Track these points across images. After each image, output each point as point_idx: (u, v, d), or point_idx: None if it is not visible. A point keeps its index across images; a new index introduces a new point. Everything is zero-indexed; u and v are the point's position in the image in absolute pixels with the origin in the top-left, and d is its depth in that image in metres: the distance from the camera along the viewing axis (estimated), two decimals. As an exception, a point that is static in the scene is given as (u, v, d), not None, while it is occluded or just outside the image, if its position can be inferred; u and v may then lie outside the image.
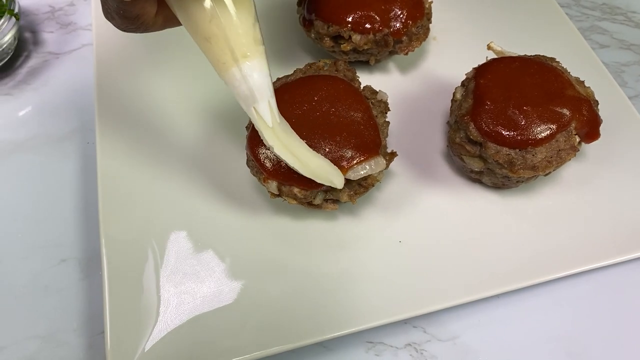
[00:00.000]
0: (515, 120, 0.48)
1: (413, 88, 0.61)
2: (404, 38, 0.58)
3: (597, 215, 0.52)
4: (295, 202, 0.49)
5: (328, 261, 0.50)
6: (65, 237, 0.55)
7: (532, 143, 0.47)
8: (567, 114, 0.48)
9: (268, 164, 0.48)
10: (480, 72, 0.51)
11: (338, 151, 0.48)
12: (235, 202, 0.53)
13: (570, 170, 0.55)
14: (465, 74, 0.53)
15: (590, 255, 0.50)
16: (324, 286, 0.49)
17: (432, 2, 0.61)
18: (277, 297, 0.48)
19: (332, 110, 0.49)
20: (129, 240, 0.50)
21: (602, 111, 0.52)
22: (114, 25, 0.42)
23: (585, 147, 0.55)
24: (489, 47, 0.54)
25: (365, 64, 0.62)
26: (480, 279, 0.49)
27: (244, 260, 0.50)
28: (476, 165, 0.50)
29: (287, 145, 0.45)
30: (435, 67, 0.63)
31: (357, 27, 0.56)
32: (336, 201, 0.50)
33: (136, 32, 0.43)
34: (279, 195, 0.49)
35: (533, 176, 0.50)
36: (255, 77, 0.42)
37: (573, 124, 0.48)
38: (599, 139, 0.50)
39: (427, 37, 0.59)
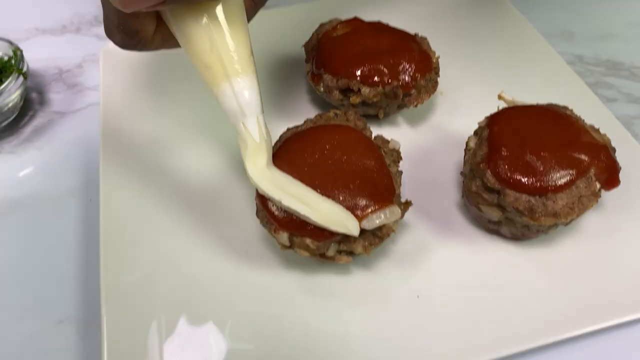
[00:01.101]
0: (534, 166, 0.47)
1: (423, 141, 0.60)
2: (413, 91, 0.58)
3: (622, 268, 0.50)
4: (307, 254, 0.47)
5: (342, 319, 0.47)
6: (63, 297, 0.52)
7: (552, 189, 0.46)
8: (586, 159, 0.47)
9: (278, 214, 0.46)
10: (493, 120, 0.51)
11: (352, 200, 0.46)
12: (243, 257, 0.51)
13: (591, 220, 0.53)
14: (478, 123, 0.53)
15: (619, 308, 0.47)
16: (337, 346, 0.46)
17: (439, 57, 0.61)
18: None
19: (344, 158, 0.48)
20: (131, 303, 0.48)
21: (619, 161, 0.50)
22: (114, 42, 0.44)
23: (604, 198, 0.54)
24: (499, 97, 0.54)
25: (374, 118, 0.61)
26: (505, 335, 0.46)
27: (253, 321, 0.47)
28: (494, 214, 0.49)
29: (294, 194, 0.45)
30: (444, 120, 0.62)
31: (367, 79, 0.56)
32: (350, 253, 0.48)
33: (135, 49, 0.44)
34: (290, 247, 0.47)
35: (553, 225, 0.48)
36: (245, 94, 0.44)
37: (592, 170, 0.47)
38: (619, 186, 0.49)
39: (435, 90, 0.59)
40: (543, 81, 0.64)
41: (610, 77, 0.69)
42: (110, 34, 0.44)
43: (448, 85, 0.65)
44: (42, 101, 0.71)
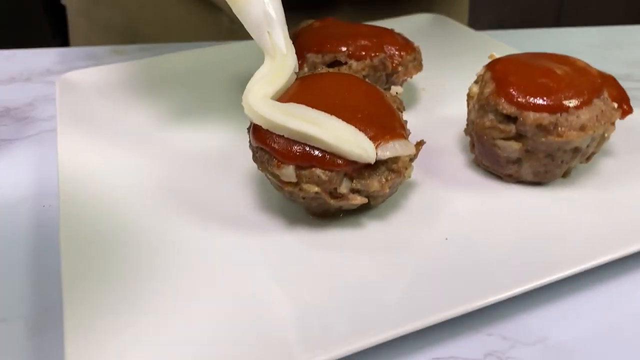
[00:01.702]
0: (548, 86, 0.44)
1: (416, 122, 0.55)
2: (400, 68, 0.56)
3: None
4: (317, 188, 0.40)
5: (359, 270, 0.40)
6: (6, 295, 0.42)
7: (572, 106, 0.43)
8: (598, 80, 0.45)
9: (281, 145, 0.40)
10: (494, 63, 0.49)
11: (362, 128, 0.41)
12: (236, 228, 0.44)
13: (607, 164, 0.50)
14: (476, 74, 0.50)
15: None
16: (356, 294, 0.37)
17: (419, 46, 0.60)
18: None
19: (348, 94, 0.44)
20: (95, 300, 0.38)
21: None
22: None
23: (617, 145, 0.51)
24: (490, 57, 0.53)
25: (361, 105, 0.58)
26: (541, 264, 0.39)
27: (258, 290, 0.38)
28: (514, 147, 0.45)
29: (300, 116, 0.40)
30: (432, 107, 0.60)
31: (354, 53, 0.54)
32: (365, 197, 0.42)
33: None
34: (296, 184, 0.40)
35: (576, 156, 0.45)
36: (268, 2, 0.45)
37: (605, 93, 0.45)
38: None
39: (421, 69, 0.58)
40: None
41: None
42: None
43: (428, 83, 0.64)
44: (-14, 133, 0.64)
